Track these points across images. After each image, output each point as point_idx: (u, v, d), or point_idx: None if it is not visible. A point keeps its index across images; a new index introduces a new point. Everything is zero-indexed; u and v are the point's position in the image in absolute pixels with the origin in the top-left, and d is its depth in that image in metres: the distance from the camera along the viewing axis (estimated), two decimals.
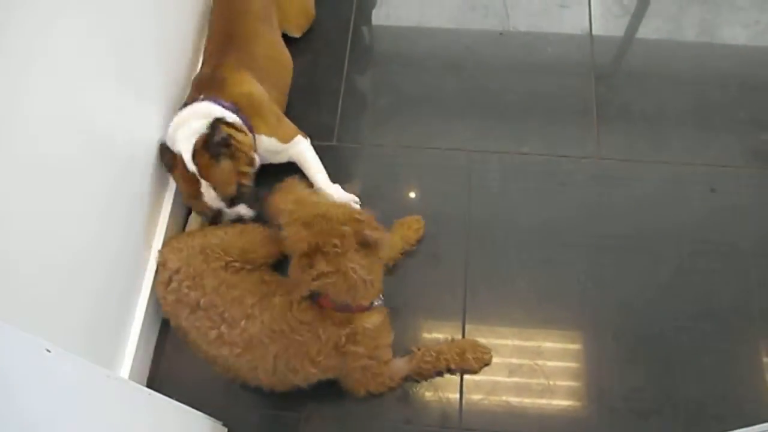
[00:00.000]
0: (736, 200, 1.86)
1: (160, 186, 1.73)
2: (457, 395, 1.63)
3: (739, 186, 1.88)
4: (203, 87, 1.71)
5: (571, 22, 2.18)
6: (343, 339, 1.42)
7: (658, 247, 1.80)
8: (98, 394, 0.99)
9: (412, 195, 1.90)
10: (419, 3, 2.24)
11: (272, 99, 1.81)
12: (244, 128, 1.68)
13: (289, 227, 1.37)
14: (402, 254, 1.76)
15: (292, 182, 1.53)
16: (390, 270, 1.74)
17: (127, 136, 1.53)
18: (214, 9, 1.91)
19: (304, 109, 2.00)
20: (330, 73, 2.09)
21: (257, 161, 1.72)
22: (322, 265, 1.32)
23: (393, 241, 1.71)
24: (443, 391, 1.63)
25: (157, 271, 1.63)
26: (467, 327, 1.70)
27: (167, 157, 1.64)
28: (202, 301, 1.48)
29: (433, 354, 1.59)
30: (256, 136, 1.73)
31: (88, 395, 0.96)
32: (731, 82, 2.05)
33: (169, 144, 1.65)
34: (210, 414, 1.49)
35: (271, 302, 1.45)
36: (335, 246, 1.31)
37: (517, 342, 1.69)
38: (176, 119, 1.65)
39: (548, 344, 1.69)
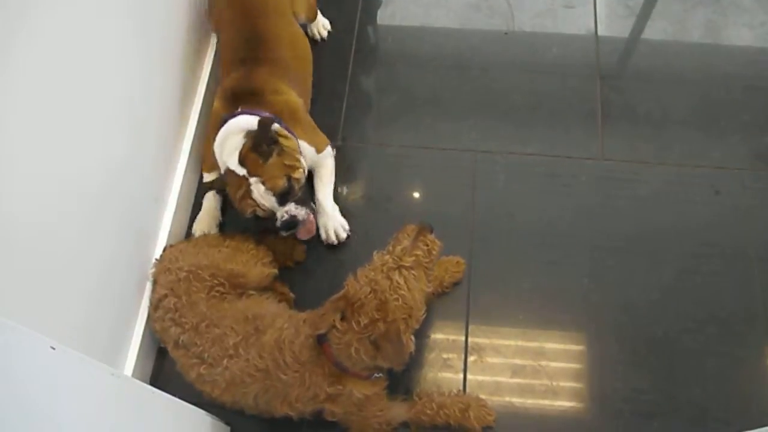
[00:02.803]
0: (740, 202, 1.86)
1: (163, 188, 1.74)
2: None
3: (743, 188, 1.87)
4: (239, 100, 1.65)
5: (576, 23, 2.18)
6: (323, 395, 1.37)
7: (662, 249, 1.79)
8: (102, 392, 0.99)
9: (417, 195, 1.90)
10: (424, 3, 2.24)
11: (301, 98, 1.78)
12: (288, 134, 1.64)
13: (363, 277, 1.30)
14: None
15: None
16: None
17: (128, 155, 1.54)
18: (227, 11, 1.78)
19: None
20: (335, 72, 2.09)
21: (305, 165, 1.66)
22: (335, 320, 1.28)
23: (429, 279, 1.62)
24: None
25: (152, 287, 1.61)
26: (470, 327, 1.70)
27: (218, 183, 1.69)
28: (181, 339, 1.45)
29: (435, 406, 1.52)
30: (300, 142, 1.69)
31: (92, 392, 0.96)
32: (736, 84, 2.05)
33: (219, 163, 1.64)
34: (212, 412, 1.49)
35: (260, 340, 1.40)
36: (358, 322, 1.26)
37: (520, 343, 1.69)
38: (220, 136, 1.62)
39: (551, 345, 1.69)
